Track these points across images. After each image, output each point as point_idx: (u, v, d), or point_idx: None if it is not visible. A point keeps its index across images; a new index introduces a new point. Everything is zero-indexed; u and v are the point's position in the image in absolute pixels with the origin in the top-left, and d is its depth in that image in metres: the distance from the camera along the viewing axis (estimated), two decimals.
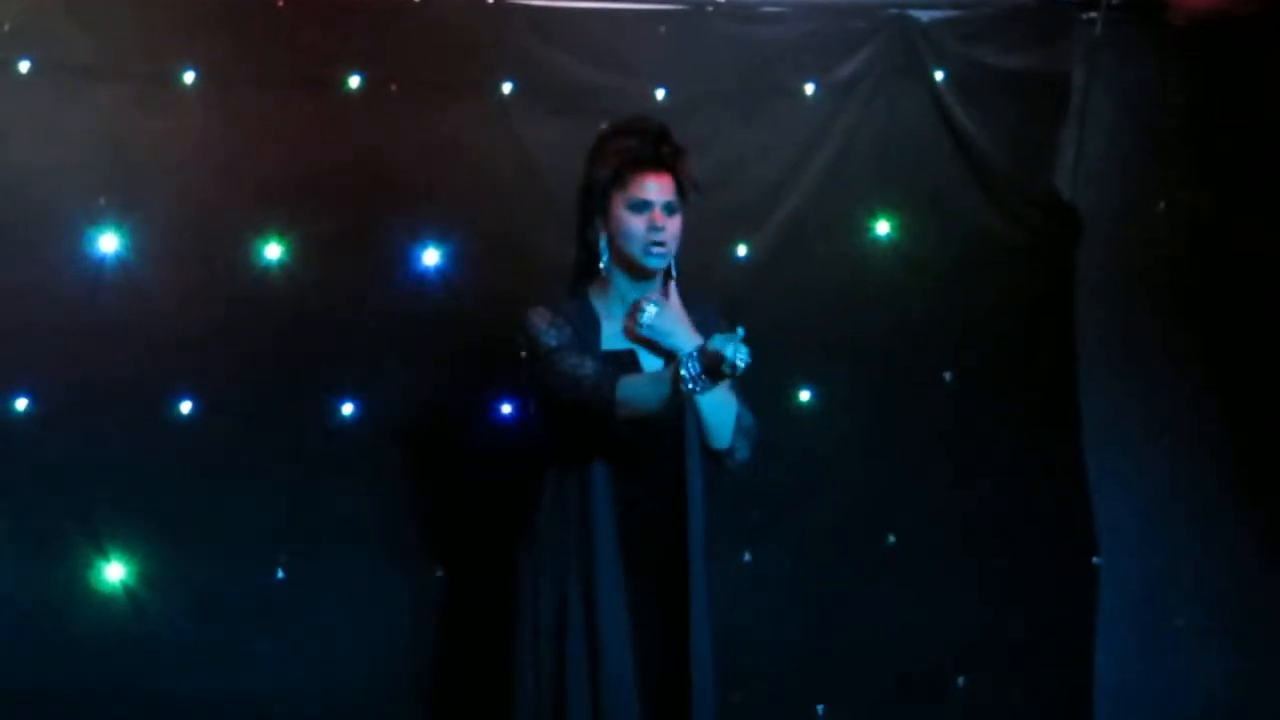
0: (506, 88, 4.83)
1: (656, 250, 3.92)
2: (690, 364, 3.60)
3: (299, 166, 4.69)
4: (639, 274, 3.96)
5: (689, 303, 3.96)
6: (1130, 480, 5.30)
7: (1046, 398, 5.23)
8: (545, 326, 3.94)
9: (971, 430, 5.19)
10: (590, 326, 3.96)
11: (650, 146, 3.92)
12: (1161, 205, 5.27)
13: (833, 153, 5.05)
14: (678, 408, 3.82)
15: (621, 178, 3.90)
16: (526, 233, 4.78)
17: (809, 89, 5.05)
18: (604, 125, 4.07)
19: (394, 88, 4.76)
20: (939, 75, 5.10)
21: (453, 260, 4.78)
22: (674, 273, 3.98)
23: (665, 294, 3.95)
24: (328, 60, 4.72)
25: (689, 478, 3.92)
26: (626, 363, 3.92)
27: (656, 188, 3.91)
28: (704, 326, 3.90)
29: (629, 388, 3.78)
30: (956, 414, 5.17)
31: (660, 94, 4.89)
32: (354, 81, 4.73)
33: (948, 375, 5.17)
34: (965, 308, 5.15)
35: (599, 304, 4.00)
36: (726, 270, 4.95)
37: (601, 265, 3.96)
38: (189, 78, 4.63)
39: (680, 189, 3.95)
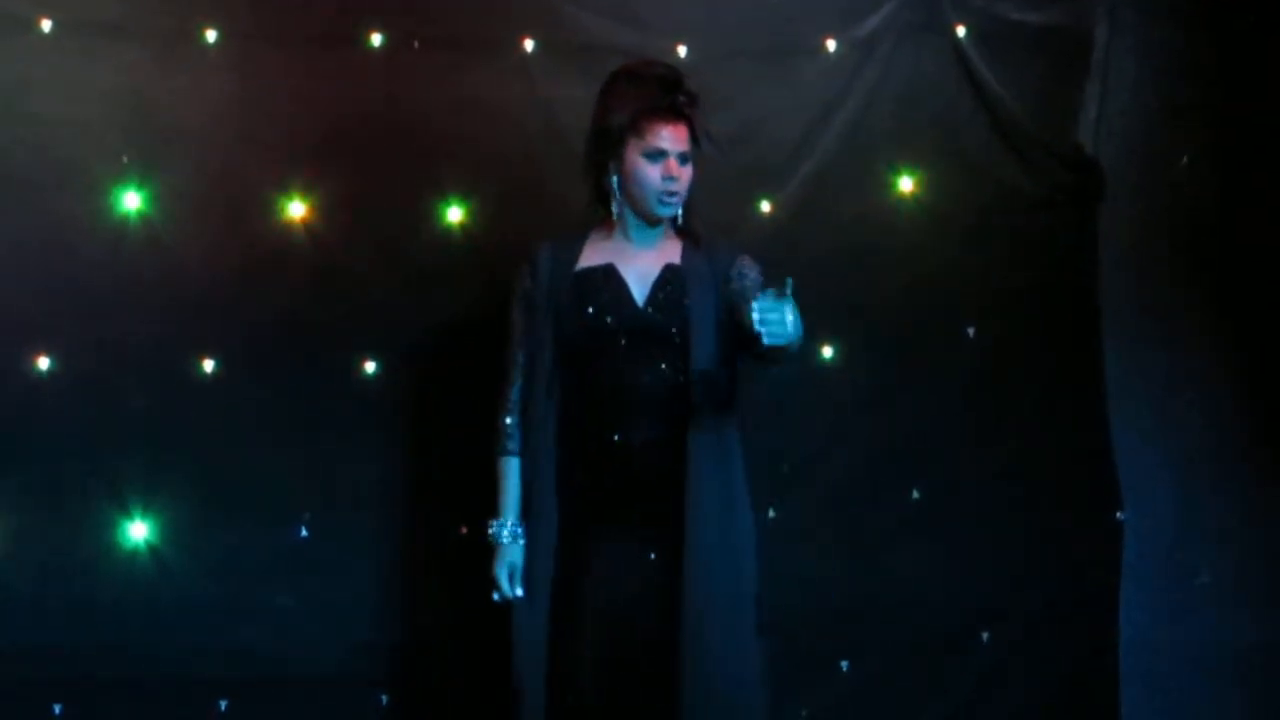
0: (529, 44, 4.83)
1: (669, 199, 3.96)
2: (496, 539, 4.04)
3: (321, 124, 4.70)
4: (649, 220, 4.01)
5: (715, 250, 4.03)
6: (1153, 436, 5.30)
7: (1069, 353, 5.24)
8: (518, 290, 4.08)
9: (995, 386, 5.19)
10: (564, 261, 4.01)
11: (666, 95, 3.93)
12: (1184, 160, 5.27)
13: (855, 109, 5.06)
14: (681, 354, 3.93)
15: (637, 126, 3.92)
16: (549, 189, 4.77)
17: (831, 45, 5.05)
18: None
19: (416, 45, 4.76)
20: (961, 31, 5.11)
21: (475, 217, 4.79)
22: (680, 221, 4.02)
23: (695, 244, 4.03)
24: (350, 17, 4.72)
25: (691, 431, 3.92)
26: (604, 277, 3.97)
27: (672, 137, 3.92)
28: (719, 274, 3.99)
29: (502, 469, 4.07)
30: (979, 369, 5.18)
31: (682, 50, 4.88)
32: (376, 38, 4.73)
33: (970, 331, 5.17)
34: (988, 263, 5.17)
35: (595, 236, 4.06)
36: (749, 227, 4.94)
37: (614, 209, 3.99)
38: (211, 35, 4.63)
39: (694, 137, 3.95)
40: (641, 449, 3.93)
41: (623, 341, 3.95)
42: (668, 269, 4.00)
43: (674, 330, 3.96)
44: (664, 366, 3.95)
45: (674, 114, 3.93)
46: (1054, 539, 5.20)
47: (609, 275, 3.98)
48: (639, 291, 3.99)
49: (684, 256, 4.04)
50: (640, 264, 4.02)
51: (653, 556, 3.91)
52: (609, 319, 3.96)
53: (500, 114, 4.81)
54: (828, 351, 5.05)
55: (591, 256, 4.03)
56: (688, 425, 3.92)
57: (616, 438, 3.94)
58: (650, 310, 3.97)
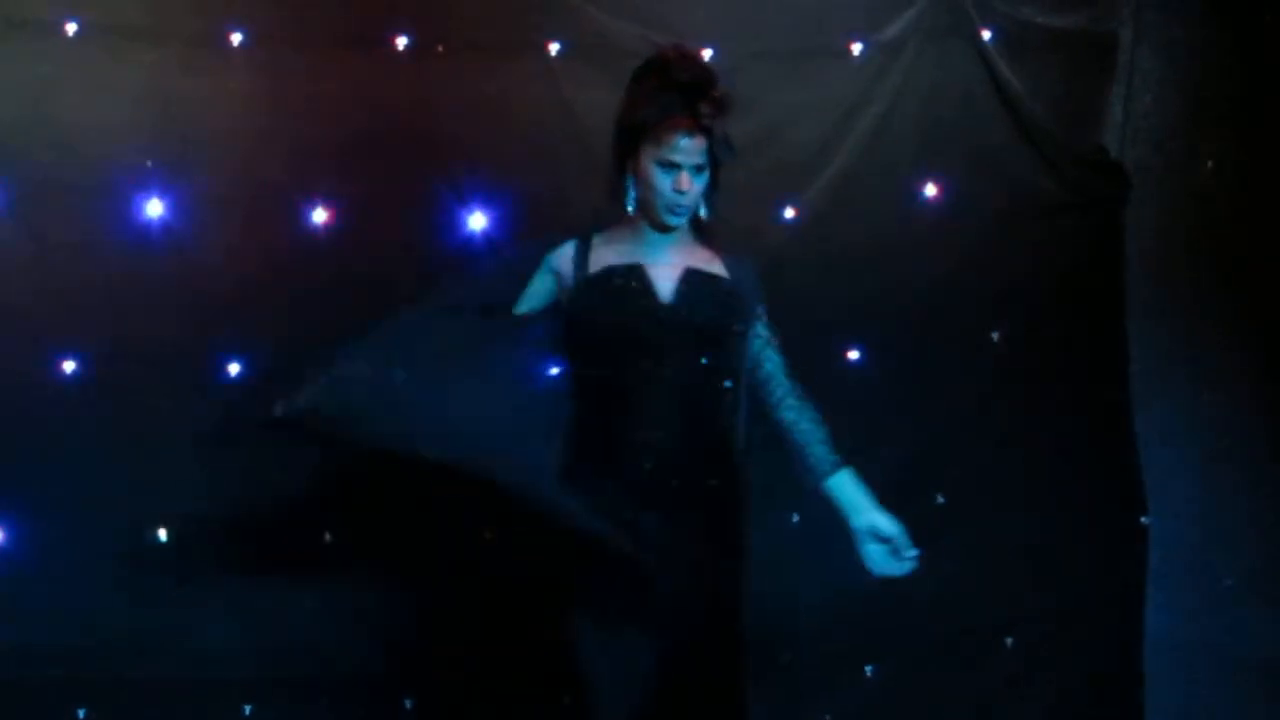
0: (554, 48, 4.83)
1: (677, 211, 3.92)
2: None
3: (346, 128, 4.68)
4: (658, 226, 3.96)
5: (728, 254, 4.01)
6: (1179, 440, 5.30)
7: (1094, 357, 5.24)
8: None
9: (1019, 390, 5.18)
10: (578, 260, 3.99)
11: (690, 104, 3.85)
12: (1209, 164, 5.27)
13: (880, 112, 5.04)
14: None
15: (655, 133, 3.85)
16: (573, 194, 4.76)
17: (856, 48, 5.04)
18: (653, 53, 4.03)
19: (441, 49, 4.76)
20: (986, 34, 5.09)
21: (498, 222, 4.78)
22: (705, 217, 3.99)
23: (715, 251, 4.00)
24: (375, 21, 4.71)
25: (707, 429, 3.93)
26: (626, 275, 3.93)
27: (687, 149, 3.85)
28: (741, 281, 3.97)
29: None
30: (1004, 374, 5.17)
31: (708, 54, 4.85)
32: (401, 42, 4.72)
33: (995, 335, 5.17)
34: (1013, 268, 5.16)
35: (612, 233, 4.02)
36: (773, 230, 4.95)
37: (628, 208, 3.96)
38: (236, 39, 4.62)
39: (712, 147, 3.90)
40: (665, 449, 3.90)
41: (646, 340, 3.92)
42: (689, 271, 3.97)
43: (695, 330, 3.93)
44: (687, 365, 3.93)
45: (694, 124, 3.85)
46: (1078, 543, 5.20)
47: (631, 273, 3.94)
48: (663, 289, 3.95)
49: (704, 259, 4.02)
50: (661, 263, 3.97)
51: (693, 552, 3.93)
52: (632, 317, 3.93)
53: (525, 118, 4.80)
54: (852, 355, 5.06)
55: (608, 255, 3.98)
56: (705, 424, 3.93)
57: (640, 438, 3.91)
58: (673, 308, 3.94)
